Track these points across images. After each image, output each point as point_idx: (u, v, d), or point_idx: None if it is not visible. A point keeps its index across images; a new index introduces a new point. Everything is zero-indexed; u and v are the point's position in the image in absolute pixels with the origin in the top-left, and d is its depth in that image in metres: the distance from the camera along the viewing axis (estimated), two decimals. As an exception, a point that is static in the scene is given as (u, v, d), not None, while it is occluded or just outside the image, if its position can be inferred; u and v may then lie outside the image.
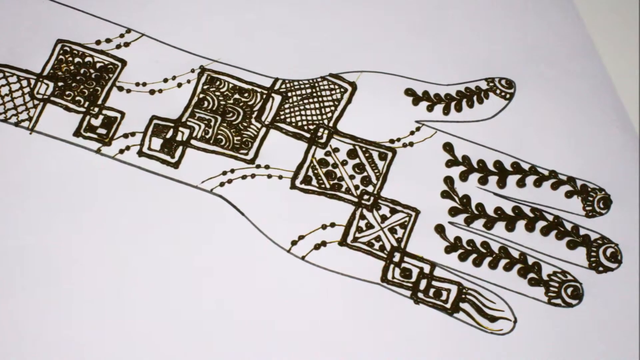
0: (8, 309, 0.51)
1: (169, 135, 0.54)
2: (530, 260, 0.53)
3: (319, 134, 0.55)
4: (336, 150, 0.55)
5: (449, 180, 0.54)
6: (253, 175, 0.54)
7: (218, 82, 0.56)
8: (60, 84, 0.55)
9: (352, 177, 0.54)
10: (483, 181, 0.54)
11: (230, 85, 0.56)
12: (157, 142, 0.54)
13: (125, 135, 0.54)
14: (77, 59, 0.56)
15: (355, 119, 0.55)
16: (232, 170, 0.54)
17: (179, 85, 0.56)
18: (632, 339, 0.51)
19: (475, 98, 0.56)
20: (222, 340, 0.51)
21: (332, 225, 0.53)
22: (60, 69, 0.55)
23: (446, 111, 0.56)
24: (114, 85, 0.55)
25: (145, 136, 0.54)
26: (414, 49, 0.57)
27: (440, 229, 0.53)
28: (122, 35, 0.56)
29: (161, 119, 0.55)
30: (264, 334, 0.51)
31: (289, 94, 0.56)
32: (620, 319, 0.52)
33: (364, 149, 0.55)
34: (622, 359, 0.51)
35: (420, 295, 0.52)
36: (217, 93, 0.55)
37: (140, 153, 0.54)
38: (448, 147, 0.55)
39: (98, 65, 0.56)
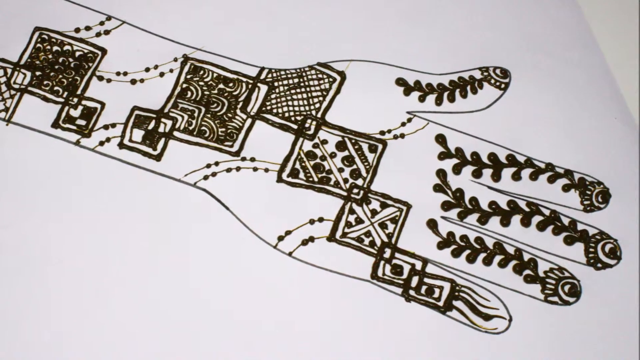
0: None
1: (150, 126, 0.54)
2: (526, 257, 0.52)
3: (307, 125, 0.55)
4: (324, 142, 0.54)
5: (441, 174, 0.54)
6: (238, 168, 0.53)
7: (202, 72, 0.56)
8: (38, 73, 0.55)
9: (341, 170, 0.54)
10: (477, 174, 0.54)
11: (215, 75, 0.56)
12: (138, 134, 0.54)
13: (106, 127, 0.54)
14: (55, 48, 0.55)
15: (344, 109, 0.55)
16: (217, 163, 0.53)
17: (161, 74, 0.55)
18: (632, 338, 0.51)
19: (469, 88, 0.56)
20: (207, 338, 0.50)
21: (321, 220, 0.53)
22: (38, 58, 0.55)
23: (439, 102, 0.55)
24: (94, 74, 0.55)
25: (126, 127, 0.54)
26: (405, 36, 0.57)
27: (432, 224, 0.53)
28: (102, 23, 0.56)
29: (143, 110, 0.54)
30: (250, 332, 0.50)
31: (276, 84, 0.55)
32: (619, 318, 0.52)
33: (353, 141, 0.54)
34: (622, 359, 0.51)
35: (411, 292, 0.52)
36: (201, 83, 0.55)
37: (121, 145, 0.54)
38: (441, 139, 0.55)
39: (77, 53, 0.55)
